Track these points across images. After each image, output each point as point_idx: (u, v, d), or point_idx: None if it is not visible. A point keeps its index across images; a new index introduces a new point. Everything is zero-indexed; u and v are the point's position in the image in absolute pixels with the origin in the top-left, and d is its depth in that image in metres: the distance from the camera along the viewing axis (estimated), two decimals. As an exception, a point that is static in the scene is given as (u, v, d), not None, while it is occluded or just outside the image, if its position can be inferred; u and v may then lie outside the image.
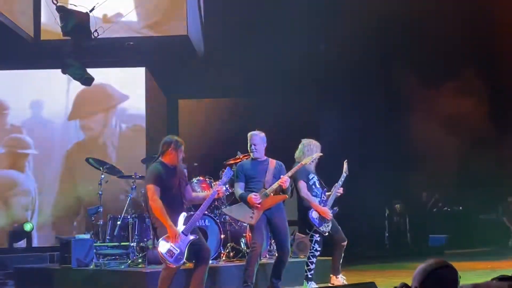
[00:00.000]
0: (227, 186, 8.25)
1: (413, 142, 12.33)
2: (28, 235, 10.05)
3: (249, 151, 6.43)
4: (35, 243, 10.18)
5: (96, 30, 7.92)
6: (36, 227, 10.26)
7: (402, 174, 12.12)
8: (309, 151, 6.60)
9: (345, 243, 6.72)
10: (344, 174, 6.69)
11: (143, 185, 5.73)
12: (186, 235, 5.51)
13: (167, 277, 5.58)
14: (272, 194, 6.25)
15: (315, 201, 6.51)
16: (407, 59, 12.22)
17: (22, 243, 10.15)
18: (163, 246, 5.42)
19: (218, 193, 5.89)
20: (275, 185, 6.23)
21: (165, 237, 5.44)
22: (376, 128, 11.92)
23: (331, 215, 6.56)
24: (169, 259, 5.42)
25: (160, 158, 5.70)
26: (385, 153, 12.05)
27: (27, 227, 10.03)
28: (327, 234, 6.56)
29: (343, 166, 6.72)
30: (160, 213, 5.44)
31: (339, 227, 6.73)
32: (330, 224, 6.55)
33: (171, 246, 5.43)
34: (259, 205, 6.16)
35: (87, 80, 8.55)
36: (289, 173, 6.34)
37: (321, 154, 6.67)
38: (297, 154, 6.69)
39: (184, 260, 5.62)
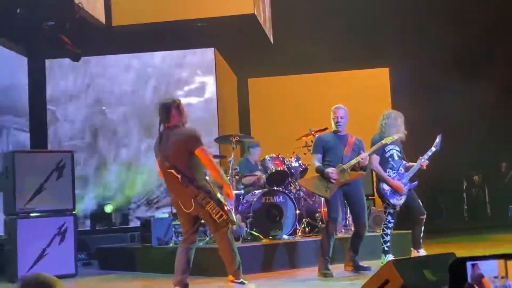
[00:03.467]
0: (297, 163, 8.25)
1: (492, 110, 11.93)
2: (108, 217, 10.39)
3: (333, 124, 6.37)
4: (115, 224, 10.51)
5: (80, 2, 7.91)
6: (116, 208, 10.59)
7: (481, 144, 11.75)
8: (387, 125, 6.47)
9: (424, 216, 6.59)
10: (433, 148, 6.51)
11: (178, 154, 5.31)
12: None
13: (232, 239, 5.42)
14: (349, 169, 6.20)
15: (385, 174, 6.41)
16: (479, 24, 11.77)
17: (104, 224, 10.49)
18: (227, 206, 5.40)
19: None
20: (353, 161, 6.18)
21: (227, 197, 5.35)
22: (453, 99, 11.57)
23: (405, 189, 6.43)
24: (232, 217, 5.38)
25: (169, 123, 5.39)
26: (462, 123, 11.70)
27: (108, 209, 10.37)
28: (398, 207, 6.46)
29: (435, 140, 6.55)
30: (222, 173, 5.41)
31: (418, 200, 6.61)
32: (402, 198, 6.43)
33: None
34: (335, 181, 6.14)
35: (76, 55, 8.62)
36: (370, 151, 6.27)
37: (403, 135, 6.52)
38: (379, 126, 6.58)
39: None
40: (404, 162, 6.54)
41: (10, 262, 7.26)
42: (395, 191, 6.40)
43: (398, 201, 6.42)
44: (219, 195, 5.27)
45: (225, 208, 5.23)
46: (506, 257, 0.78)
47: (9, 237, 7.31)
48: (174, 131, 5.27)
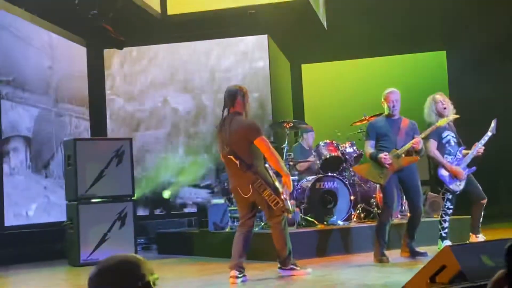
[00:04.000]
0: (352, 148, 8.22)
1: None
2: (166, 202, 10.60)
3: (386, 108, 6.31)
4: (173, 210, 10.72)
5: None
6: (174, 194, 10.79)
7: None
8: (431, 108, 6.41)
9: (485, 201, 6.48)
10: (489, 133, 6.40)
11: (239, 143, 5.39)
12: None
13: (286, 228, 5.51)
14: (403, 154, 6.15)
15: (444, 160, 6.34)
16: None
17: (162, 210, 10.72)
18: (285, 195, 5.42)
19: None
20: (407, 146, 6.12)
21: (285, 186, 5.41)
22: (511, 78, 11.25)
23: (465, 174, 6.35)
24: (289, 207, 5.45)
25: (233, 109, 5.47)
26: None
27: (165, 194, 10.58)
28: (458, 192, 6.38)
29: (491, 125, 6.43)
30: (282, 162, 5.49)
31: (478, 185, 6.50)
32: (462, 183, 6.35)
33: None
34: (389, 166, 6.10)
35: (119, 43, 8.72)
36: (423, 134, 6.21)
37: (458, 116, 6.44)
38: (424, 113, 6.51)
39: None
40: (461, 147, 6.45)
41: (73, 246, 7.52)
42: (454, 177, 6.32)
43: (458, 186, 6.35)
44: (277, 183, 5.38)
45: (282, 196, 5.31)
46: None
47: (71, 222, 7.57)
48: (236, 118, 5.40)
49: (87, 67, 10.86)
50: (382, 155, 6.10)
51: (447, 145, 6.41)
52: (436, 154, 6.36)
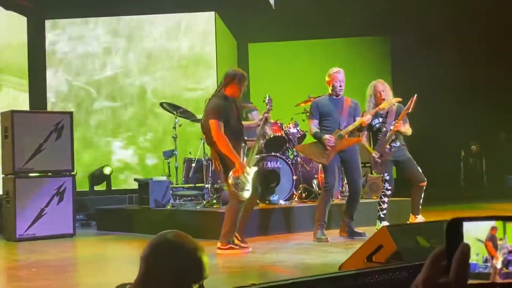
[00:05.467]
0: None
1: (492, 79, 11.89)
2: (107, 178, 10.43)
3: (331, 88, 6.33)
4: (114, 186, 10.57)
5: None
6: (115, 170, 10.63)
7: (479, 113, 11.74)
8: (370, 97, 6.47)
9: (425, 183, 6.59)
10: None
11: (205, 120, 5.55)
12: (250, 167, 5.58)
13: (238, 210, 5.55)
14: (346, 135, 6.22)
15: (369, 147, 6.52)
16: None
17: (102, 186, 10.55)
18: (233, 180, 5.42)
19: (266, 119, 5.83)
20: (350, 127, 6.19)
21: (233, 171, 5.42)
22: (452, 65, 11.51)
23: (378, 157, 6.41)
24: (239, 192, 5.45)
25: (221, 91, 5.56)
26: (462, 91, 11.67)
27: (107, 170, 10.41)
28: (382, 175, 6.53)
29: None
30: (229, 148, 5.40)
31: (418, 167, 6.62)
32: (382, 166, 6.46)
33: (239, 179, 5.44)
34: (331, 148, 6.16)
35: (25, 9, 8.57)
36: (369, 115, 6.25)
37: (400, 99, 6.51)
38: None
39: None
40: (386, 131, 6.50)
41: (9, 221, 7.32)
42: (375, 161, 6.49)
43: (379, 170, 6.53)
44: (235, 167, 5.43)
45: (229, 180, 5.39)
46: (504, 218, 0.78)
47: (7, 196, 7.35)
48: (213, 98, 5.57)
49: (27, 38, 10.51)
50: (326, 136, 6.15)
51: (378, 132, 6.52)
52: (364, 142, 6.56)
